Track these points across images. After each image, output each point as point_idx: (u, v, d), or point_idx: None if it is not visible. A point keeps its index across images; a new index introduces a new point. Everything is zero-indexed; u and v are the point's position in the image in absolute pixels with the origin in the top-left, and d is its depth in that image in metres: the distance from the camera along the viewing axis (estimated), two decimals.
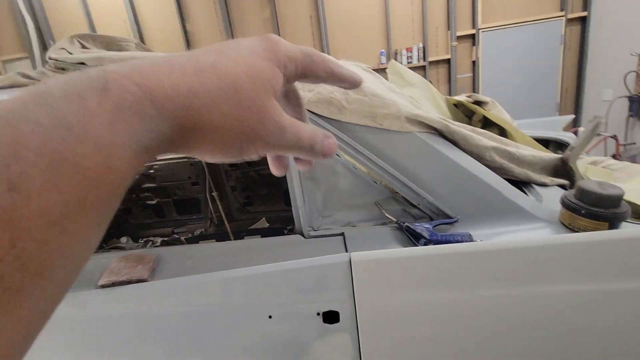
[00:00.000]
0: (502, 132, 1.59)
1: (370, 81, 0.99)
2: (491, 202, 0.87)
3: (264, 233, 1.53)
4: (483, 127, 1.70)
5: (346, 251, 0.85)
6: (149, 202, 2.98)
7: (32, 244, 0.13)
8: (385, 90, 0.97)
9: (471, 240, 0.80)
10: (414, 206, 0.91)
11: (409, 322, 0.78)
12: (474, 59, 4.27)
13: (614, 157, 3.18)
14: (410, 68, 4.31)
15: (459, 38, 4.22)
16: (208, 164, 2.62)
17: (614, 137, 3.04)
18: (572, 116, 2.45)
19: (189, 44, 4.46)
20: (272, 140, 0.21)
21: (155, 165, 2.81)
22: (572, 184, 1.13)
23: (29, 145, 0.13)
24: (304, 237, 0.91)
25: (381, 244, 0.85)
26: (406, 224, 0.86)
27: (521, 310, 0.77)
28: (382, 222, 0.93)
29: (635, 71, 3.42)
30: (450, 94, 4.33)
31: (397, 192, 0.91)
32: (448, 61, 4.33)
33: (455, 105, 1.70)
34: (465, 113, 1.72)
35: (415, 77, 1.45)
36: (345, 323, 0.78)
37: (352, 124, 0.88)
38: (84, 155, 0.14)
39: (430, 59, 4.29)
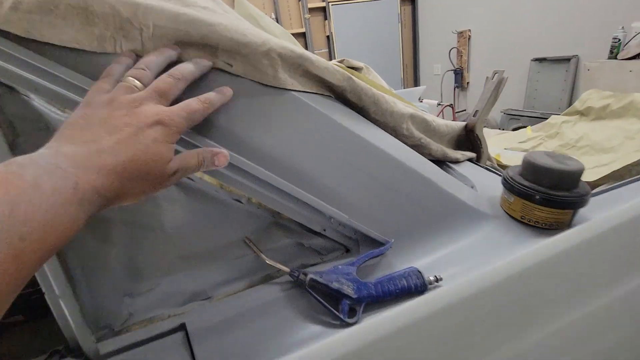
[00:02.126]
0: None
1: None
2: (430, 205, 0.54)
3: None
4: None
5: None
6: None
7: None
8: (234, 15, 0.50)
9: (423, 282, 0.46)
10: (316, 233, 0.50)
11: None
12: (327, 33, 4.17)
13: None
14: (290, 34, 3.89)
15: (311, 11, 4.01)
16: None
17: (451, 105, 3.44)
18: (424, 87, 2.53)
19: None
20: (169, 180, 0.33)
21: None
22: (479, 157, 0.95)
23: (34, 217, 0.23)
24: (87, 359, 0.38)
25: (266, 331, 0.41)
26: (310, 275, 0.44)
27: None
28: (264, 275, 0.49)
29: (456, 47, 3.95)
30: None
31: (280, 214, 0.48)
32: (304, 35, 4.10)
33: None
34: None
35: (278, 28, 1.03)
36: None
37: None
38: (61, 221, 0.25)
39: None
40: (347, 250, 0.52)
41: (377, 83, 1.38)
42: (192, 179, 0.44)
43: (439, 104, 3.37)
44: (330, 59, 4.29)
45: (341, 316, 0.42)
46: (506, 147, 1.79)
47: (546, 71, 3.04)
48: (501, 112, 3.43)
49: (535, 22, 3.02)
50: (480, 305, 0.44)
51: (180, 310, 0.43)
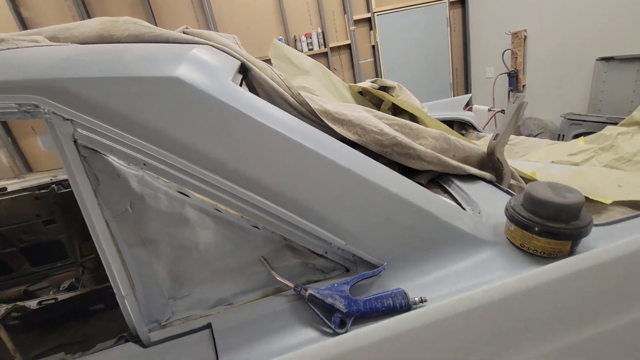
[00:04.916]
0: (413, 119, 1.40)
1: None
2: (424, 232, 0.60)
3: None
4: (393, 115, 1.49)
5: (216, 356, 0.49)
6: None
7: None
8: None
9: (407, 302, 0.52)
10: (320, 255, 0.59)
11: None
12: (373, 43, 4.22)
13: None
14: (311, 55, 4.05)
15: (356, 22, 4.10)
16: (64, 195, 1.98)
17: (503, 111, 3.26)
18: (470, 95, 2.47)
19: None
20: None
21: None
22: (500, 178, 0.96)
23: None
24: (143, 345, 0.52)
25: (273, 334, 0.51)
26: (309, 291, 0.54)
27: None
28: (275, 287, 0.59)
29: (510, 49, 3.74)
30: (355, 81, 4.22)
31: (290, 239, 0.58)
32: (349, 47, 4.20)
33: (360, 93, 1.47)
34: (372, 101, 1.49)
35: (309, 61, 1.14)
36: None
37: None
38: None
39: (331, 44, 4.09)
40: (347, 270, 0.60)
41: (409, 103, 1.43)
42: (219, 210, 0.56)
43: (490, 110, 3.22)
44: (376, 68, 4.33)
45: (332, 327, 0.51)
46: (554, 160, 1.70)
47: (614, 71, 2.76)
48: (561, 116, 3.17)
49: (600, 18, 2.76)
50: (456, 327, 0.49)
51: (208, 312, 0.55)
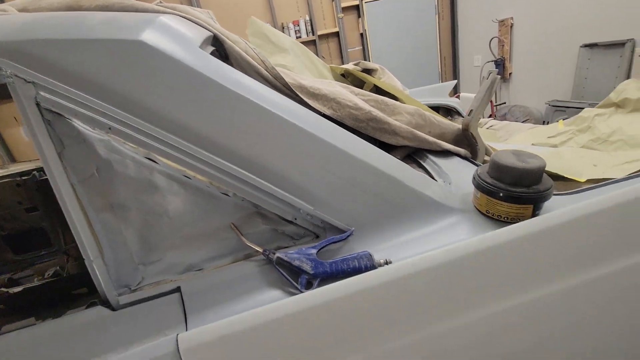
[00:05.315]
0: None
1: None
2: (392, 198, 0.62)
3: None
4: None
5: (185, 317, 0.51)
6: None
7: None
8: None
9: (372, 263, 0.54)
10: (289, 222, 0.60)
11: None
12: (361, 31, 4.20)
13: (490, 117, 3.48)
14: (300, 43, 4.02)
15: (344, 9, 4.07)
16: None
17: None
18: (455, 81, 2.48)
19: None
20: None
21: None
22: (474, 154, 0.98)
23: None
24: (112, 308, 0.53)
25: (242, 296, 0.53)
26: (277, 254, 0.55)
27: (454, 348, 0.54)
28: (245, 253, 0.60)
29: (497, 37, 3.76)
30: None
31: (260, 205, 0.58)
32: (337, 35, 4.17)
33: (342, 75, 1.47)
34: (354, 83, 1.50)
35: (287, 40, 1.13)
36: None
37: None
38: None
39: (319, 32, 4.06)
40: (317, 236, 0.62)
41: (390, 84, 1.43)
42: (188, 177, 0.57)
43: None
44: (364, 56, 4.31)
45: (299, 287, 0.52)
46: (534, 142, 1.73)
47: (597, 58, 2.80)
48: (546, 103, 3.22)
49: (584, 5, 2.79)
50: (418, 284, 0.51)
51: (179, 277, 0.56)
